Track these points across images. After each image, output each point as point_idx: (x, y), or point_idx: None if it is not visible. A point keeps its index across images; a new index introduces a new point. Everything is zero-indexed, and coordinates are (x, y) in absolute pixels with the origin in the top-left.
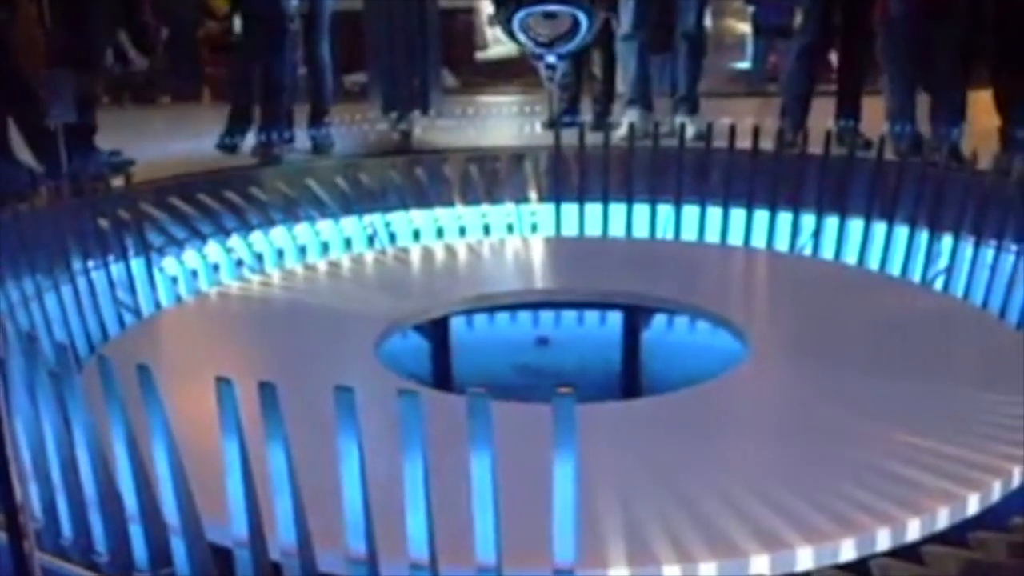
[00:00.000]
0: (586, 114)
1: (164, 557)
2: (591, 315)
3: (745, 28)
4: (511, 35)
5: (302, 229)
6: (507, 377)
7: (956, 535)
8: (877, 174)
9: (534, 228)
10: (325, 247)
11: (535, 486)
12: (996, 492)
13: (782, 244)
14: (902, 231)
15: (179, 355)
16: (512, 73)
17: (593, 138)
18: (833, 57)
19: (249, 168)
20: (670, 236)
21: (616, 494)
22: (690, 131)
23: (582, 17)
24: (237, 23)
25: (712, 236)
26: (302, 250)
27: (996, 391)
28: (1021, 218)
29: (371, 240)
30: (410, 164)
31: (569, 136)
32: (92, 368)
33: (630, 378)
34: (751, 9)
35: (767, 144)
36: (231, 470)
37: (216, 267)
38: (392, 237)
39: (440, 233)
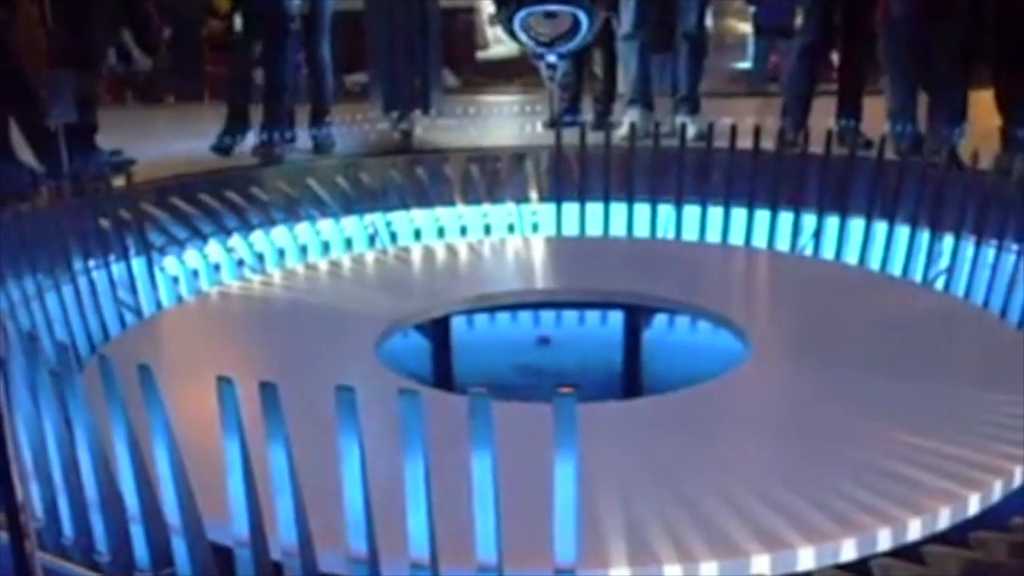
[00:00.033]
0: (587, 114)
1: (165, 557)
2: (592, 315)
3: (746, 28)
4: (512, 34)
5: (303, 229)
6: (508, 377)
7: (957, 535)
8: (878, 174)
9: (535, 228)
10: (326, 247)
11: (536, 486)
12: (997, 492)
13: (783, 244)
14: (903, 231)
15: (180, 355)
16: (513, 73)
17: (594, 138)
18: (834, 57)
19: (250, 168)
20: (671, 236)
21: (617, 494)
22: (691, 131)
23: (583, 17)
24: (238, 22)
25: (713, 236)
26: (303, 250)
27: (997, 391)
28: (1022, 218)
29: (372, 240)
30: (411, 164)
31: (570, 136)
32: (93, 368)
33: (631, 378)
34: (752, 9)
35: (768, 144)
36: (232, 470)
37: (217, 267)
38: (393, 237)
39: (441, 233)
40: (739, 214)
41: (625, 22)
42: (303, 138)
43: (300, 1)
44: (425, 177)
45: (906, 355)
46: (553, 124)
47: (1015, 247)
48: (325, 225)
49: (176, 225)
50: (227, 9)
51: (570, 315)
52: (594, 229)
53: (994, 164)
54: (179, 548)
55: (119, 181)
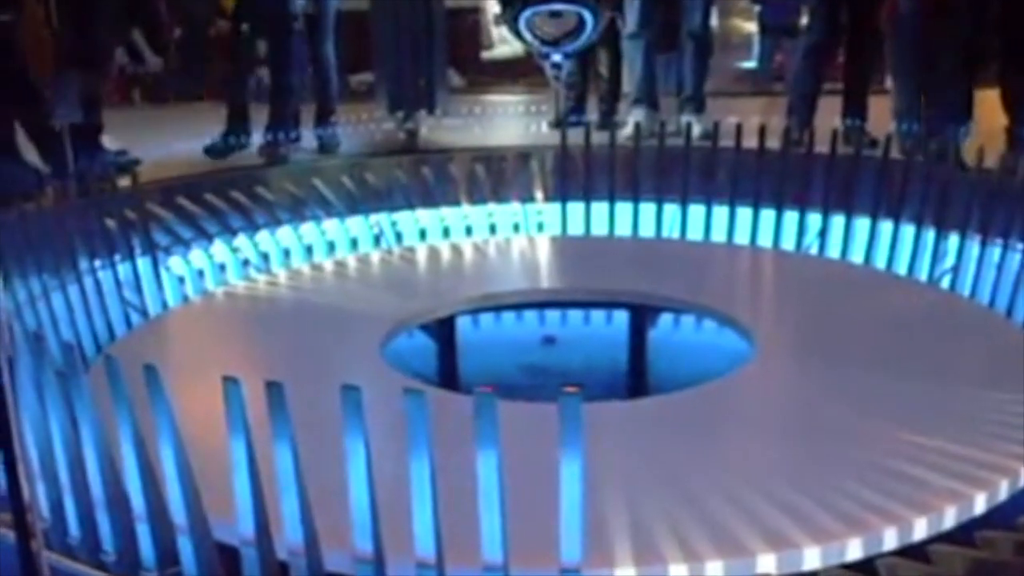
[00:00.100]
0: (592, 113)
1: (171, 556)
2: (597, 314)
3: (751, 27)
4: (517, 34)
5: (308, 229)
6: (513, 376)
7: (963, 534)
8: (883, 173)
9: (540, 227)
10: (331, 247)
11: (542, 485)
12: (1003, 491)
13: (788, 243)
14: (908, 230)
15: (186, 355)
16: (518, 72)
17: (599, 137)
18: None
19: (255, 168)
20: (676, 235)
21: (622, 493)
22: (696, 130)
23: (588, 16)
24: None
25: (718, 235)
26: (308, 250)
27: (1003, 390)
28: None
29: (377, 240)
30: (416, 163)
31: (575, 135)
32: (99, 368)
33: (636, 377)
34: (757, 8)
35: (773, 143)
36: (238, 469)
37: (222, 267)
38: (398, 236)
39: (446, 232)
40: (744, 213)
41: (630, 21)
42: (308, 138)
43: (304, 1)
44: (430, 177)
45: (912, 354)
46: (558, 124)
47: (1020, 246)
48: (330, 225)
49: (181, 225)
50: (232, 9)
51: (575, 315)
52: (599, 228)
53: (999, 163)
54: (185, 547)
55: (124, 181)
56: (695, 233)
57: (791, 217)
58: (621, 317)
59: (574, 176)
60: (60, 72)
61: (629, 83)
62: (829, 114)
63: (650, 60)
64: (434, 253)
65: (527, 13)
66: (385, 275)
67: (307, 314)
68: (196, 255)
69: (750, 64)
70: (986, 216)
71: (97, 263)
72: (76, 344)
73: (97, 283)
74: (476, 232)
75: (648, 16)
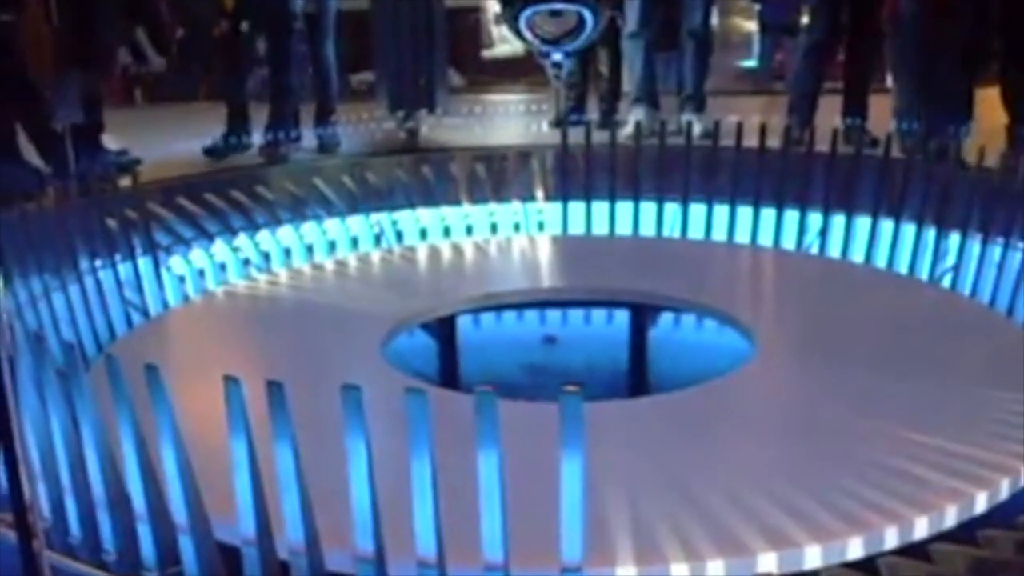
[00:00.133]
0: (592, 112)
1: (172, 556)
2: (598, 313)
3: (751, 26)
4: (517, 33)
5: (309, 228)
6: (514, 376)
7: (964, 533)
8: (884, 172)
9: (541, 227)
10: (332, 246)
11: (542, 485)
12: (1004, 490)
13: (789, 242)
14: (909, 229)
15: (187, 354)
16: (518, 71)
17: (600, 136)
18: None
19: (256, 167)
20: (677, 234)
21: (623, 493)
22: (697, 129)
23: (588, 15)
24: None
25: (719, 234)
26: (309, 249)
27: (1003, 389)
28: None
29: (378, 239)
30: (417, 163)
31: (576, 134)
32: (100, 367)
33: (637, 376)
34: (757, 7)
35: (774, 142)
36: (239, 469)
37: (223, 266)
38: (399, 236)
39: (447, 232)
40: (745, 212)
41: (630, 20)
42: (309, 137)
43: (304, 0)
44: (431, 176)
45: (912, 353)
46: (559, 123)
47: (1021, 245)
48: (331, 224)
49: (182, 225)
50: (232, 8)
51: (576, 314)
52: (600, 228)
53: (1000, 162)
54: (186, 547)
55: (125, 181)
56: (696, 232)
57: (792, 216)
58: (622, 316)
59: (575, 175)
60: (61, 72)
61: (629, 82)
62: (830, 113)
63: (650, 59)
64: (435, 252)
65: (527, 12)
66: (386, 274)
67: (308, 313)
68: (197, 254)
69: (750, 63)
70: (987, 215)
71: (98, 263)
72: (77, 344)
73: (98, 283)
74: (477, 231)
75: (648, 15)
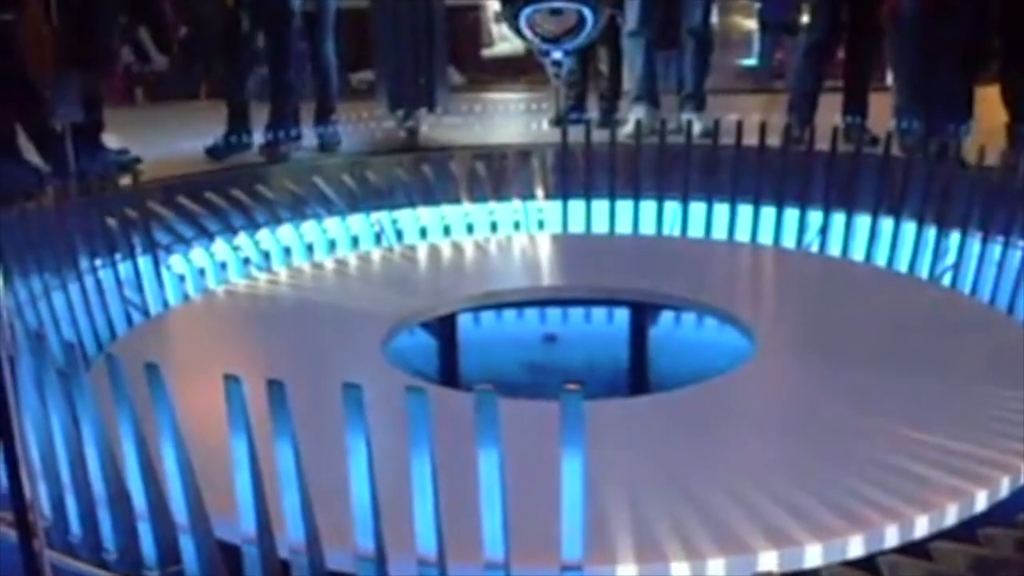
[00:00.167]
0: (593, 111)
1: (173, 554)
2: (598, 312)
3: (751, 24)
4: (517, 32)
5: (309, 227)
6: (514, 374)
7: (965, 531)
8: (884, 170)
9: (541, 225)
10: (332, 245)
11: (543, 483)
12: (1004, 488)
13: (789, 240)
14: (909, 227)
15: (187, 353)
16: (518, 70)
17: (600, 135)
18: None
19: (256, 166)
20: (677, 233)
21: (624, 491)
22: (697, 128)
23: (587, 13)
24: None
25: (719, 232)
26: (309, 248)
27: (1004, 387)
28: None
29: (378, 238)
30: (417, 161)
31: (576, 133)
32: (100, 366)
33: (637, 375)
34: (757, 5)
35: (774, 141)
36: (239, 467)
37: (223, 265)
38: (399, 235)
39: (447, 230)
40: (745, 211)
41: (630, 19)
42: (309, 136)
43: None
44: (431, 175)
45: (912, 351)
46: (559, 121)
47: (1021, 243)
48: (331, 223)
49: (182, 224)
50: (231, 6)
51: (576, 312)
52: (600, 226)
53: (1000, 160)
54: (187, 546)
55: (125, 180)
56: (696, 231)
57: (792, 215)
58: (622, 315)
59: (575, 174)
60: (60, 71)
61: (630, 81)
62: (830, 111)
63: (650, 58)
64: (435, 251)
65: (527, 10)
66: (386, 273)
67: (308, 312)
68: (197, 253)
69: (750, 61)
70: (987, 213)
71: (98, 262)
72: (77, 343)
73: (98, 282)
74: (477, 230)
75: (648, 13)
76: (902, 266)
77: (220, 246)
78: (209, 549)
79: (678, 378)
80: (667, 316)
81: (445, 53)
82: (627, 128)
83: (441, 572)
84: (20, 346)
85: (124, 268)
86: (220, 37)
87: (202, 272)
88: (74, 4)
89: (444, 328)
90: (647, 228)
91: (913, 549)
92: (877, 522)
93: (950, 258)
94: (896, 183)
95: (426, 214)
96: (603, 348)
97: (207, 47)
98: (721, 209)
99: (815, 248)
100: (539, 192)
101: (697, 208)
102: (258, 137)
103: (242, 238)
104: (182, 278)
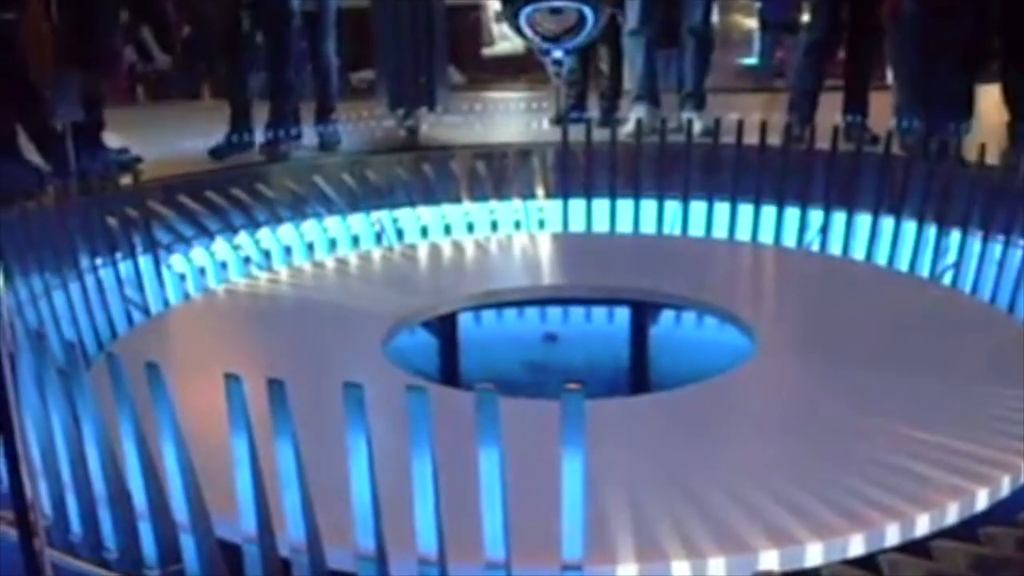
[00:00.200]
0: (593, 110)
1: (173, 553)
2: (599, 311)
3: (752, 24)
4: (518, 31)
5: (310, 226)
6: (515, 373)
7: (965, 530)
8: (885, 169)
9: (541, 224)
10: (333, 244)
11: (543, 482)
12: (1005, 487)
13: (790, 239)
14: (910, 226)
15: (188, 352)
16: (519, 69)
17: (600, 134)
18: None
19: (256, 165)
20: (677, 232)
21: (624, 490)
22: (697, 127)
23: (588, 12)
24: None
25: (720, 232)
26: (310, 247)
27: (1004, 386)
28: None
29: (378, 237)
30: (417, 161)
31: (576, 132)
32: (101, 366)
33: (638, 374)
34: (758, 4)
35: (775, 140)
36: (240, 466)
37: (224, 264)
38: (399, 234)
39: (447, 230)
40: (746, 210)
41: (631, 18)
42: (309, 135)
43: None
44: (431, 174)
45: (913, 351)
46: (559, 120)
47: (1022, 242)
48: (332, 222)
49: (183, 223)
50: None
51: (577, 311)
52: (600, 225)
53: (1001, 159)
54: (187, 545)
55: (126, 179)
56: (696, 230)
57: (792, 213)
58: (623, 314)
59: (575, 173)
60: (60, 71)
61: (630, 80)
62: (830, 110)
63: (651, 56)
64: (435, 250)
65: (528, 9)
66: (387, 272)
67: (309, 311)
68: (197, 253)
69: (751, 60)
70: (987, 212)
71: (99, 261)
72: (78, 342)
73: (99, 281)
74: (477, 229)
75: (649, 12)
76: (903, 265)
77: (221, 245)
78: (210, 548)
79: (679, 377)
80: (668, 315)
81: (445, 52)
82: (628, 127)
83: (442, 571)
84: (21, 345)
85: (125, 267)
86: (222, 37)
87: (203, 271)
88: (74, 3)
89: (445, 327)
90: (648, 227)
91: (914, 548)
92: (878, 521)
93: (951, 257)
94: (897, 182)
95: (427, 213)
96: (604, 347)
97: (209, 47)
98: (722, 208)
99: (816, 247)
100: (540, 191)
101: (698, 207)
102: (258, 136)
103: (243, 237)
104: (183, 277)
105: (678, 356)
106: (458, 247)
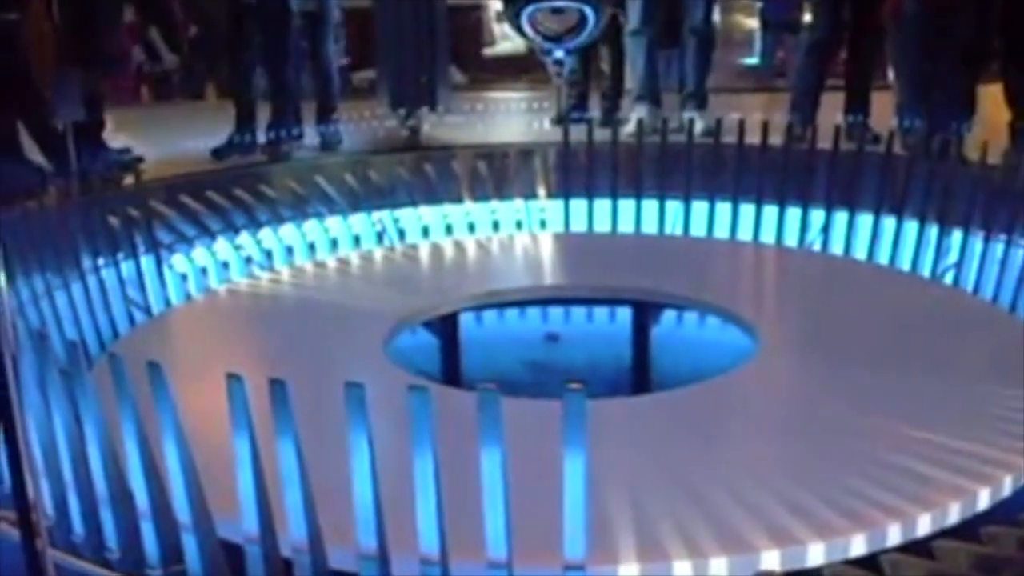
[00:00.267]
0: (594, 110)
1: (175, 553)
2: (600, 311)
3: (753, 23)
4: (519, 30)
5: (311, 226)
6: (517, 373)
7: (967, 530)
8: (886, 169)
9: (543, 224)
10: (334, 244)
11: (545, 482)
12: (1007, 486)
13: (791, 239)
14: (912, 226)
15: (189, 352)
16: (520, 69)
17: (602, 134)
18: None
19: (258, 165)
20: (679, 232)
21: (626, 490)
22: (699, 126)
23: (589, 12)
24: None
25: (721, 231)
26: (311, 247)
27: (1006, 385)
28: None
29: (380, 237)
30: (419, 160)
31: (578, 132)
32: (103, 366)
33: (640, 374)
34: (759, 4)
35: (776, 139)
36: (242, 466)
37: (226, 264)
38: (401, 234)
39: (449, 229)
40: (747, 210)
41: (632, 18)
42: (310, 135)
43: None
44: (433, 174)
45: (915, 350)
46: (561, 120)
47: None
48: (333, 222)
49: (185, 223)
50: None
51: (578, 311)
52: (602, 225)
53: (1003, 159)
54: (189, 545)
55: (128, 179)
56: (698, 229)
57: (794, 213)
58: (624, 314)
59: (577, 173)
60: (61, 70)
61: (631, 79)
62: (832, 110)
63: (652, 56)
64: (437, 250)
65: (529, 9)
66: (388, 272)
67: (310, 311)
68: (199, 253)
69: (752, 60)
70: (989, 212)
71: (100, 261)
72: (80, 342)
73: (100, 281)
74: (479, 229)
75: (650, 12)
76: (904, 265)
77: (222, 245)
78: (212, 548)
79: (680, 377)
80: (669, 315)
81: (447, 52)
82: (629, 127)
83: (443, 571)
84: (23, 345)
85: (126, 267)
86: (227, 37)
87: (204, 271)
88: (76, 3)
89: (446, 327)
90: (649, 227)
91: (915, 548)
92: (879, 521)
93: (952, 256)
94: (898, 182)
95: (428, 213)
96: (605, 347)
97: (214, 47)
98: (723, 208)
99: (817, 247)
100: (541, 191)
101: (699, 207)
102: (260, 136)
103: (244, 237)
104: (184, 277)
105: (680, 356)
106: (460, 247)
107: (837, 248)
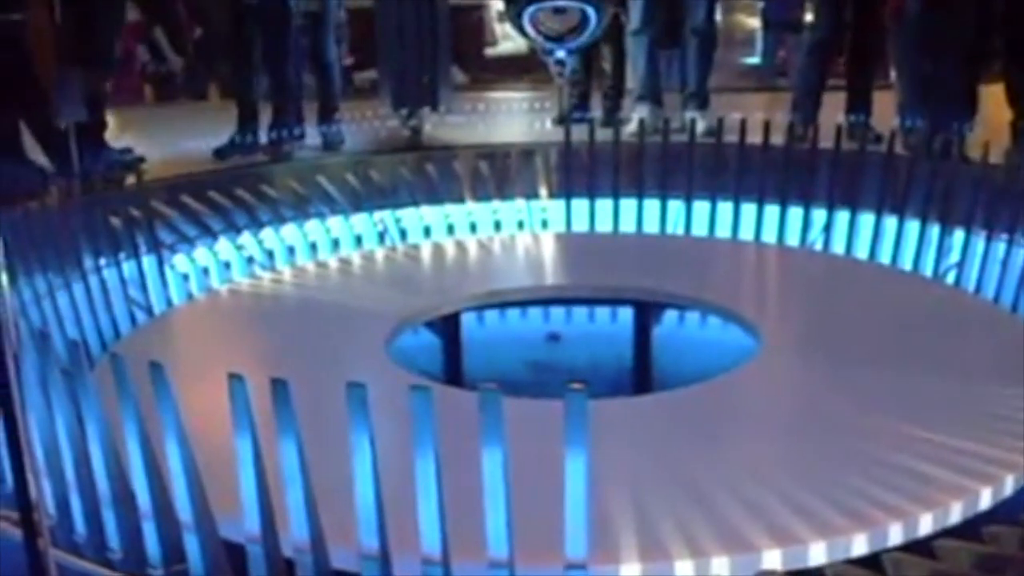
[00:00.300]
0: (596, 110)
1: (177, 553)
2: (602, 311)
3: (755, 23)
4: (521, 30)
5: (313, 226)
6: (518, 373)
7: (969, 529)
8: (888, 168)
9: (544, 224)
10: (336, 244)
11: (547, 482)
12: (1009, 486)
13: (793, 239)
14: (913, 225)
15: (191, 352)
16: (522, 69)
17: (603, 134)
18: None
19: (259, 165)
20: (681, 231)
21: (628, 490)
22: (700, 126)
23: (591, 12)
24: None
25: (723, 231)
26: (313, 247)
27: (1008, 385)
28: None
29: (382, 237)
30: (420, 160)
31: (579, 132)
32: (105, 366)
33: (641, 374)
34: (761, 4)
35: (778, 139)
36: (244, 467)
37: (227, 264)
38: (403, 234)
39: (451, 229)
40: (749, 209)
41: (634, 18)
42: (312, 135)
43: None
44: (435, 174)
45: (917, 350)
46: (562, 120)
47: None
48: (335, 222)
49: (186, 223)
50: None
51: (580, 311)
52: (604, 225)
53: (1004, 158)
54: (191, 545)
55: (129, 179)
56: (700, 229)
57: (796, 213)
58: (626, 314)
59: (578, 173)
60: (63, 70)
61: (633, 79)
62: (833, 110)
63: (654, 56)
64: (439, 250)
65: (531, 9)
66: (390, 272)
67: (312, 311)
68: (201, 253)
69: (754, 60)
70: (991, 211)
71: (102, 261)
72: (81, 342)
73: (102, 281)
74: (480, 229)
75: (652, 12)
76: (906, 264)
77: (224, 245)
78: (213, 548)
79: (682, 377)
80: (671, 315)
81: (449, 52)
82: (630, 127)
83: (445, 571)
84: (25, 345)
85: (128, 267)
86: (230, 37)
87: (206, 271)
88: (77, 3)
89: (448, 327)
90: (651, 227)
91: (917, 547)
92: (881, 520)
93: (954, 256)
94: (900, 181)
95: (430, 213)
96: (607, 347)
97: (217, 47)
98: (725, 207)
99: (819, 246)
100: (543, 191)
101: (701, 206)
102: (262, 136)
103: (246, 237)
104: (186, 277)
105: (681, 356)
106: (461, 247)
107: (839, 248)
